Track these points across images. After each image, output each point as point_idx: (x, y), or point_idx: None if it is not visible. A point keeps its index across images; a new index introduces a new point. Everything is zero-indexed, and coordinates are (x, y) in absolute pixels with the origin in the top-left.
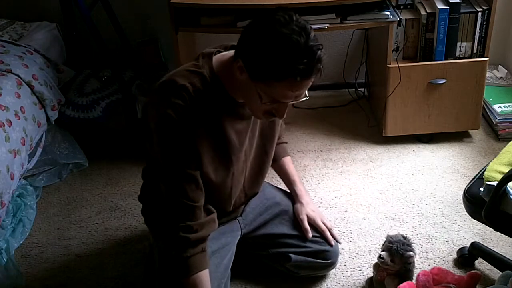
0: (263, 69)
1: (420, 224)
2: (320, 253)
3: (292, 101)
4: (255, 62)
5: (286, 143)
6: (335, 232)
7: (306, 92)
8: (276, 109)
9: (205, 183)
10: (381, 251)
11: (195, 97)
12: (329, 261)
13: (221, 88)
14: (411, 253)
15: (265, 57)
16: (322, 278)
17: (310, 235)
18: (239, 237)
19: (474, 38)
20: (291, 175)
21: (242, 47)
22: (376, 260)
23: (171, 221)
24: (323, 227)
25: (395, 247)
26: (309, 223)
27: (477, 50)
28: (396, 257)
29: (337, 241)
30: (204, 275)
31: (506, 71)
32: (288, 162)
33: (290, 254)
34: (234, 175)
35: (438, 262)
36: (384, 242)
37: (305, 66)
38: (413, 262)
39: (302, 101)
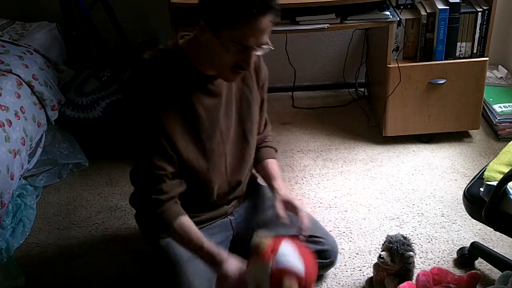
0: (222, 14)
1: (420, 224)
2: (319, 253)
3: (256, 48)
4: (213, 11)
5: (275, 149)
6: (334, 232)
7: (269, 41)
8: (242, 59)
9: (181, 163)
10: (381, 251)
11: (158, 68)
12: (328, 260)
13: (185, 59)
14: (411, 253)
15: (223, 2)
16: (322, 278)
17: (284, 220)
18: (231, 237)
19: (474, 38)
20: (271, 172)
21: (200, 5)
22: (376, 260)
23: (143, 189)
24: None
25: (395, 247)
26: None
27: (477, 50)
28: (396, 257)
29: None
30: (185, 219)
31: (506, 71)
32: (272, 163)
33: None
34: (211, 158)
35: (438, 262)
36: (384, 242)
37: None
38: (413, 262)
39: (266, 50)
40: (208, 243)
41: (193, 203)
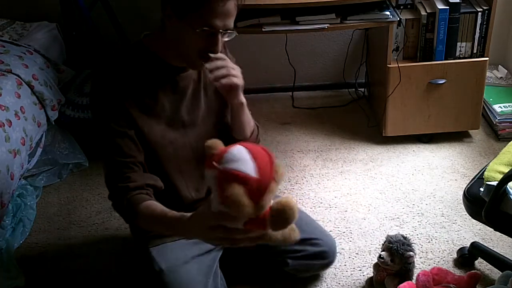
0: None
1: (420, 224)
2: (318, 254)
3: (223, 32)
4: None
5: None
6: (334, 232)
7: (233, 29)
8: (210, 43)
9: (147, 149)
10: (381, 251)
11: (121, 61)
12: (327, 261)
13: (146, 50)
14: (411, 253)
15: None
16: (322, 278)
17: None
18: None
19: (474, 38)
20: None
21: None
22: (376, 260)
23: (111, 179)
24: None
25: (395, 247)
26: None
27: (477, 50)
28: (396, 257)
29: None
30: (152, 202)
31: (506, 71)
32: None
33: (287, 260)
34: (176, 146)
35: (438, 262)
36: (384, 242)
37: None
38: (413, 262)
39: (232, 36)
40: (173, 212)
41: (172, 203)
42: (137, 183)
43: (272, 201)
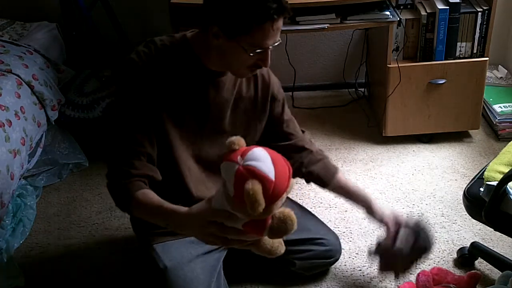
0: (240, 21)
1: None
2: (324, 253)
3: (272, 45)
4: (230, 18)
5: (327, 158)
6: (337, 232)
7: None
8: (260, 59)
9: (164, 148)
10: (400, 245)
11: (161, 54)
12: (332, 259)
13: (190, 51)
14: (424, 226)
15: (240, 9)
16: (322, 278)
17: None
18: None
19: (474, 38)
20: (360, 193)
21: (211, 12)
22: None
23: (116, 159)
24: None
25: (414, 231)
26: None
27: (477, 50)
28: (419, 239)
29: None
30: (149, 191)
31: (506, 71)
32: (347, 180)
33: (294, 260)
34: (189, 147)
35: (438, 262)
36: (398, 231)
37: (276, 3)
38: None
39: (277, 44)
40: (170, 203)
41: (177, 200)
42: (139, 171)
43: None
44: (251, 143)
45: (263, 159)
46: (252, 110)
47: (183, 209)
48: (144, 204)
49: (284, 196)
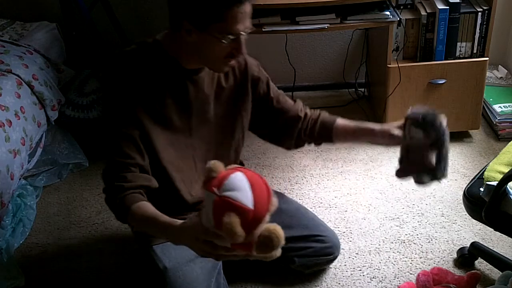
0: (209, 9)
1: (420, 224)
2: (323, 250)
3: (244, 32)
4: (199, 8)
5: (322, 114)
6: (337, 232)
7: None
8: (234, 47)
9: (152, 155)
10: (410, 133)
11: (135, 60)
12: (331, 256)
13: (164, 53)
14: (443, 119)
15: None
16: (322, 278)
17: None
18: None
19: (474, 38)
20: (361, 123)
21: (180, 8)
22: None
23: (108, 177)
24: None
25: (427, 121)
26: None
27: (477, 50)
28: (430, 129)
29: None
30: (145, 203)
31: (506, 71)
32: (345, 123)
33: (294, 258)
34: (180, 149)
35: (438, 262)
36: (406, 121)
37: None
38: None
39: (250, 32)
40: (165, 216)
41: (171, 204)
42: (132, 184)
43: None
44: (241, 132)
45: (240, 187)
46: (234, 98)
47: (177, 222)
48: (139, 218)
49: (267, 218)
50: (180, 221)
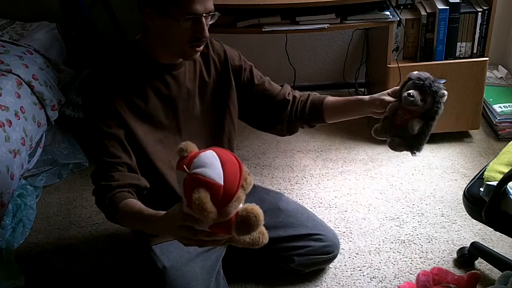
0: None
1: (420, 224)
2: (322, 248)
3: (204, 12)
4: None
5: (311, 95)
6: (337, 232)
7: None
8: (196, 30)
9: (139, 154)
10: (408, 90)
11: (114, 61)
12: (331, 255)
13: (141, 51)
14: (444, 91)
15: None
16: (322, 278)
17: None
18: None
19: (474, 38)
20: (350, 98)
21: None
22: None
23: (96, 175)
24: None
25: (427, 84)
26: None
27: (477, 50)
28: (428, 95)
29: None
30: (133, 200)
31: (506, 71)
32: (334, 100)
33: (293, 257)
34: (167, 145)
35: (438, 262)
36: (408, 81)
37: None
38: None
39: (216, 17)
40: (149, 210)
41: (166, 203)
42: (119, 182)
43: (240, 206)
44: (231, 123)
45: (210, 164)
46: (219, 91)
47: (161, 213)
48: (126, 214)
49: (240, 194)
50: (163, 212)
